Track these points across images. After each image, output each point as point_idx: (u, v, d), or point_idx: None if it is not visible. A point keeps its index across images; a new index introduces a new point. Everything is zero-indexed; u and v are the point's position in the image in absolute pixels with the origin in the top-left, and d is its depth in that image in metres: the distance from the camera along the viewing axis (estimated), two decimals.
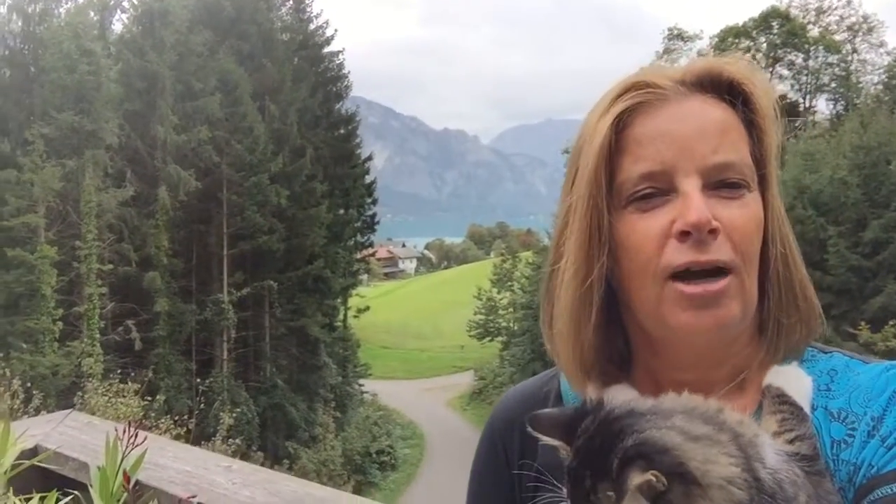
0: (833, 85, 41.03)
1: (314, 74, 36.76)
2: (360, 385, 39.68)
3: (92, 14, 28.44)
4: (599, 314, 0.92)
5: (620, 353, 0.99)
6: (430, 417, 39.97)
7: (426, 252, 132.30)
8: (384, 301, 67.51)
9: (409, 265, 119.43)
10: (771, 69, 39.89)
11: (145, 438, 1.46)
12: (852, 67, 40.87)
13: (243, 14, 32.86)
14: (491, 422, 1.13)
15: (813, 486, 0.77)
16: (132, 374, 21.51)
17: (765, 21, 40.71)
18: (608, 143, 0.89)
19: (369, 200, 41.82)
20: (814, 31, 41.22)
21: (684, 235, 0.85)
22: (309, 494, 1.49)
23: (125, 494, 1.41)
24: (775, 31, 40.69)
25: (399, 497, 30.68)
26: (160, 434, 13.52)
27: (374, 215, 42.50)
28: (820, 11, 41.73)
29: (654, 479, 0.65)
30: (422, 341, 60.14)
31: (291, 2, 37.68)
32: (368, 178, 41.77)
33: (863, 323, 23.82)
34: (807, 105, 40.51)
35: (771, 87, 0.95)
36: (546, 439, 0.81)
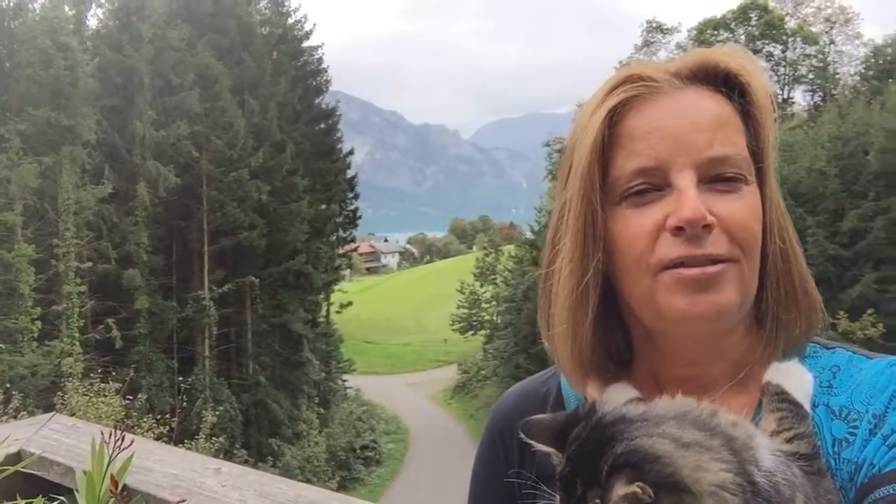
0: (811, 76, 41.42)
1: (294, 69, 36.57)
2: (344, 381, 39.67)
3: (67, 8, 28.03)
4: (596, 311, 0.90)
5: (620, 350, 0.97)
6: (414, 412, 40.05)
7: (408, 246, 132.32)
8: (367, 296, 67.51)
9: (392, 260, 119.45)
10: None
11: (132, 442, 1.44)
12: (830, 58, 41.27)
13: (222, 8, 32.59)
14: (491, 421, 1.12)
15: (812, 486, 0.76)
16: (113, 373, 21.37)
17: (743, 13, 41.00)
18: (601, 138, 0.88)
19: (351, 195, 41.71)
20: (791, 23, 41.56)
21: (678, 231, 0.83)
22: (300, 496, 1.46)
23: (112, 499, 1.38)
24: (754, 22, 40.99)
25: (384, 491, 30.70)
26: (143, 433, 13.43)
27: (355, 210, 42.41)
28: (798, 3, 42.08)
29: (639, 490, 0.64)
30: (405, 336, 60.21)
31: None
32: (349, 173, 41.65)
33: (841, 312, 24.15)
34: (785, 96, 40.81)
35: (766, 79, 0.93)
36: (539, 446, 0.80)
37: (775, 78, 40.53)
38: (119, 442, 1.41)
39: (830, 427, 0.87)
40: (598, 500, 0.68)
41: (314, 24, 38.66)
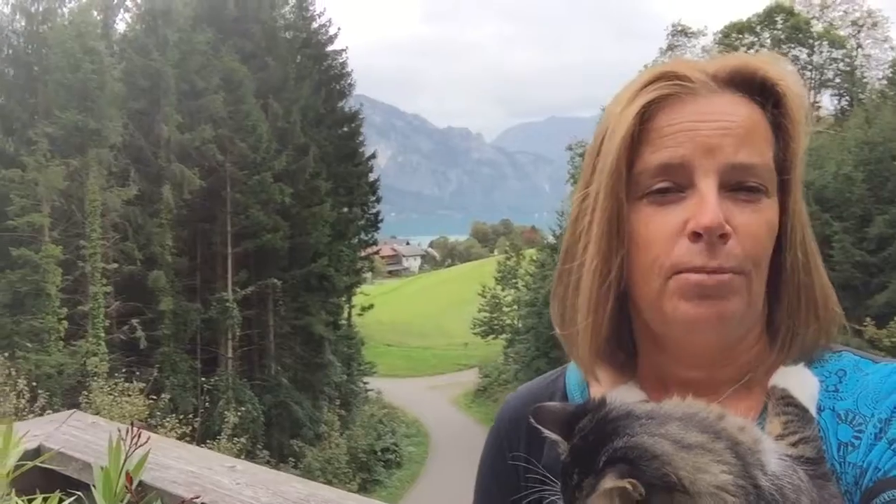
0: (837, 80, 40.91)
1: (317, 73, 36.76)
2: (365, 383, 39.74)
3: (95, 13, 28.44)
4: (614, 305, 0.91)
5: (627, 347, 0.98)
6: (435, 415, 40.01)
7: (430, 250, 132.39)
8: (388, 299, 67.61)
9: (413, 263, 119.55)
10: None
11: (148, 439, 1.46)
12: (857, 63, 40.74)
13: (246, 12, 32.88)
14: (497, 422, 1.12)
15: (817, 490, 0.76)
16: (137, 373, 21.64)
17: (769, 16, 40.60)
18: (632, 132, 0.88)
19: (373, 198, 41.82)
20: (818, 27, 41.09)
21: (696, 237, 0.83)
22: (314, 495, 1.48)
23: (128, 495, 1.40)
24: (779, 26, 40.58)
25: (404, 494, 30.72)
26: (166, 432, 13.56)
27: (377, 213, 42.52)
28: (824, 6, 41.58)
29: (629, 486, 0.64)
30: (426, 339, 60.21)
31: (294, 0, 37.68)
32: (372, 177, 41.79)
33: (868, 319, 23.79)
34: (811, 101, 40.36)
35: (804, 92, 0.93)
36: (547, 432, 0.81)
37: (801, 80, 40.15)
38: (136, 439, 1.44)
39: (836, 431, 0.86)
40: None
41: (338, 29, 38.90)
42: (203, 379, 25.11)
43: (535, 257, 44.90)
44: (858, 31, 40.89)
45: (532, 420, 0.82)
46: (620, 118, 0.89)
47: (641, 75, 0.92)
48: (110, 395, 14.87)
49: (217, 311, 29.39)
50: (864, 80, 40.41)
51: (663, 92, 0.88)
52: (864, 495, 0.81)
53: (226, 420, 19.12)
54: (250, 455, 24.43)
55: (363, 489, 29.37)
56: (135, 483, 1.37)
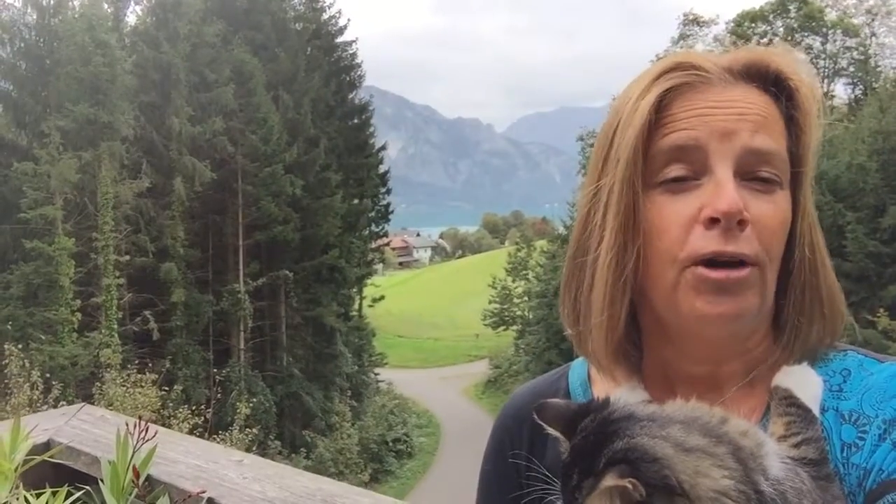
0: (851, 69, 40.51)
1: (327, 64, 36.76)
2: (376, 374, 39.89)
3: (106, 6, 28.51)
4: (630, 298, 0.90)
5: (637, 344, 0.96)
6: (446, 406, 40.13)
7: (440, 241, 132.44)
8: (399, 290, 67.74)
9: (424, 254, 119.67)
10: None
11: (156, 433, 1.46)
12: (871, 51, 40.32)
13: (256, 4, 32.88)
14: (500, 420, 1.12)
15: (820, 492, 0.76)
16: (150, 364, 21.77)
17: (782, 4, 40.20)
18: (648, 121, 0.86)
19: (383, 190, 41.87)
20: (831, 15, 40.67)
21: (713, 223, 0.82)
22: (321, 489, 1.48)
23: (135, 489, 1.41)
24: (792, 14, 40.18)
25: (416, 484, 30.86)
26: (178, 424, 13.65)
27: (388, 205, 42.58)
28: None
29: (630, 486, 0.64)
30: (437, 330, 60.34)
31: None
32: (382, 168, 41.80)
33: (881, 310, 23.64)
34: (825, 90, 40.00)
35: (817, 84, 0.92)
36: (550, 429, 0.80)
37: (815, 71, 39.73)
38: (143, 433, 1.44)
39: (840, 432, 0.85)
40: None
41: (348, 20, 38.86)
42: (215, 370, 25.22)
43: (545, 248, 44.86)
44: (872, 20, 40.43)
45: (535, 416, 0.82)
46: (636, 108, 0.88)
47: (654, 66, 0.91)
48: (123, 386, 14.97)
49: (229, 302, 29.54)
50: (878, 69, 39.98)
51: (680, 81, 0.87)
52: (867, 497, 0.80)
53: (238, 411, 19.18)
54: (262, 446, 24.58)
55: (374, 480, 29.53)
56: (142, 477, 1.38)
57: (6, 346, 13.16)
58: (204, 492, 1.42)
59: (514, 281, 50.63)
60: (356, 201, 37.69)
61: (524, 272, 49.87)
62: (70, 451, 1.67)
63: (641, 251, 0.88)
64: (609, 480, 0.65)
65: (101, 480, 1.42)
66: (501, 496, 1.07)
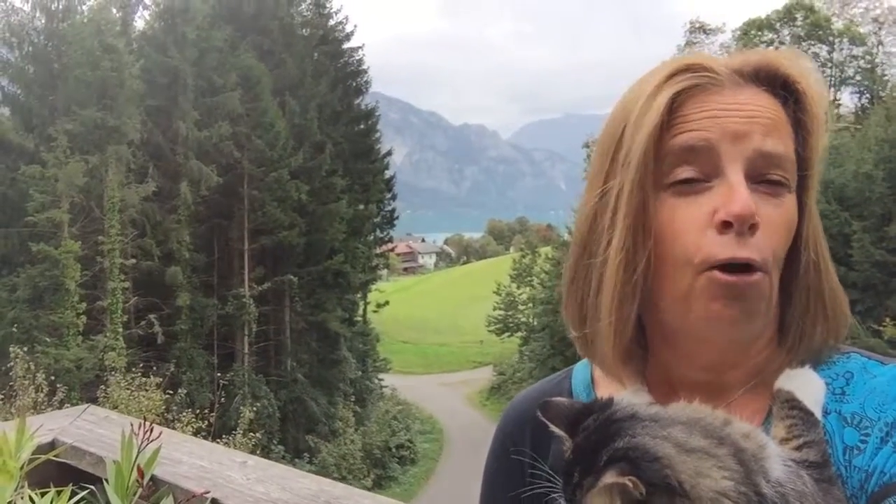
0: (858, 78, 40.48)
1: (334, 70, 36.86)
2: (380, 379, 39.86)
3: (114, 10, 28.67)
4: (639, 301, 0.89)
5: (640, 342, 0.95)
6: (450, 412, 40.06)
7: (445, 247, 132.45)
8: (404, 296, 67.75)
9: (429, 260, 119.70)
10: None
11: (160, 434, 1.47)
12: (878, 60, 40.28)
13: (264, 10, 33.02)
14: (502, 424, 1.11)
15: (822, 495, 0.76)
16: (154, 368, 21.80)
17: (789, 13, 40.23)
18: (661, 122, 0.86)
19: (389, 195, 41.90)
20: (838, 24, 40.66)
21: (726, 226, 0.82)
22: (324, 491, 1.48)
23: (140, 489, 1.41)
24: (799, 23, 40.20)
25: (419, 491, 30.79)
26: (182, 427, 13.66)
27: (393, 210, 42.61)
28: (845, 3, 41.15)
29: (630, 484, 0.64)
30: (441, 336, 60.27)
31: None
32: (388, 174, 41.86)
33: (887, 319, 23.57)
34: (831, 98, 39.92)
35: (825, 89, 0.93)
36: (553, 427, 0.80)
37: (822, 76, 39.74)
38: (148, 434, 1.45)
39: (842, 434, 0.85)
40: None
41: (355, 26, 38.98)
42: (219, 374, 25.26)
43: (550, 255, 44.79)
44: (879, 28, 40.42)
45: (539, 414, 0.82)
46: (647, 109, 0.87)
47: (664, 66, 0.91)
48: (128, 389, 14.98)
49: (234, 306, 29.58)
50: (885, 77, 39.96)
51: (692, 83, 0.87)
52: (869, 499, 0.80)
53: (241, 415, 19.18)
54: (265, 450, 24.56)
55: (377, 485, 29.47)
56: (146, 477, 1.38)
57: (11, 349, 13.20)
58: (208, 492, 1.43)
59: (518, 287, 50.58)
60: (361, 207, 37.73)
61: (529, 279, 49.83)
62: (74, 450, 1.68)
63: (652, 254, 0.87)
64: (609, 478, 0.66)
65: (106, 480, 1.42)
66: (504, 496, 1.07)
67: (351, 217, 34.86)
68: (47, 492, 1.38)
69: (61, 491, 1.39)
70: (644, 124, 0.87)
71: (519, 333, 47.04)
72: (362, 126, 39.35)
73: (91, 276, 24.74)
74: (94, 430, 1.81)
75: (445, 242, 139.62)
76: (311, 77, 33.84)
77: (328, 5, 38.06)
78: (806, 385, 0.88)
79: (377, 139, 40.57)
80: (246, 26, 32.10)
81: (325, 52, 36.81)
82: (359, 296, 38.59)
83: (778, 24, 40.42)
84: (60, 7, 26.32)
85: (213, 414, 16.41)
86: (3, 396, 11.87)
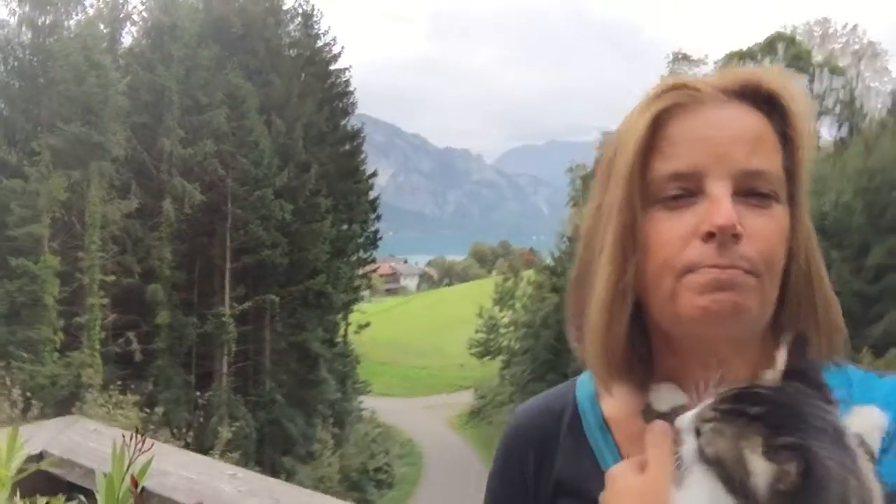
0: (837, 109, 41.19)
1: (321, 90, 36.97)
2: (360, 402, 39.57)
3: (101, 26, 28.65)
4: (631, 313, 0.91)
5: (646, 361, 0.96)
6: (429, 436, 39.82)
7: (428, 269, 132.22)
8: (385, 317, 67.44)
9: (411, 282, 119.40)
10: None
11: (152, 445, 1.47)
12: (857, 92, 41.05)
13: (252, 30, 33.11)
14: (506, 436, 1.11)
15: None
16: (132, 386, 21.53)
17: (770, 45, 40.97)
18: (645, 140, 0.89)
19: (373, 216, 41.89)
20: (818, 56, 41.44)
21: (709, 236, 0.84)
22: (314, 503, 1.49)
23: (131, 501, 1.41)
24: (780, 54, 40.92)
25: None
26: None
27: (376, 231, 42.57)
28: (825, 37, 41.98)
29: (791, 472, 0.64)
30: (422, 359, 60.02)
31: (300, 18, 37.98)
32: (372, 195, 41.88)
33: (865, 349, 23.77)
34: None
35: (809, 102, 0.96)
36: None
37: (807, 90, 40.39)
38: (140, 445, 1.45)
39: None
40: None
41: (342, 48, 39.20)
42: (197, 393, 24.98)
43: (532, 279, 44.89)
44: (859, 61, 41.24)
45: None
46: (634, 127, 0.91)
47: (653, 87, 0.94)
48: (104, 407, 14.80)
49: (213, 325, 29.32)
50: (864, 109, 40.69)
51: (674, 101, 0.90)
52: None
53: (219, 436, 18.98)
54: None
55: None
56: (139, 488, 1.38)
57: None
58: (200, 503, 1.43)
59: (501, 310, 50.54)
60: (345, 227, 37.68)
61: (511, 302, 49.82)
62: (64, 462, 1.67)
63: (642, 266, 0.90)
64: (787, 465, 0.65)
65: (96, 492, 1.42)
66: None
67: (334, 237, 34.79)
68: (35, 501, 1.37)
69: (50, 501, 1.39)
70: (629, 144, 0.90)
71: (501, 357, 46.93)
72: (348, 147, 39.40)
73: (70, 292, 24.47)
74: (83, 442, 1.80)
75: (428, 264, 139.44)
76: (298, 97, 33.90)
77: (316, 27, 38.29)
78: (869, 422, 0.84)
79: (362, 160, 40.65)
80: (233, 45, 32.15)
81: (312, 73, 36.93)
82: (340, 316, 38.38)
83: (759, 56, 41.08)
84: (48, 22, 26.27)
85: (190, 433, 16.22)
86: None
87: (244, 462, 25.15)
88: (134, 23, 30.87)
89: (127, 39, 31.55)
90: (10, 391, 11.89)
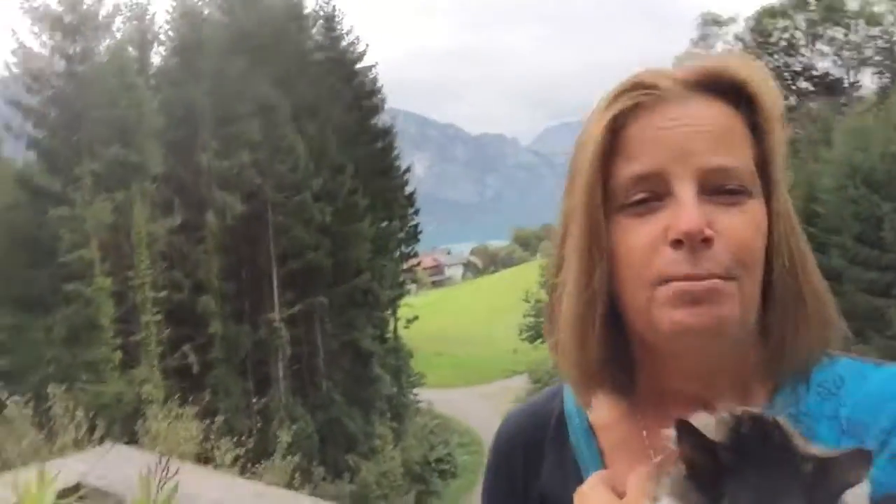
0: (877, 58, 39.83)
1: (349, 91, 37.16)
2: (415, 395, 39.81)
3: (131, 49, 29.22)
4: (604, 321, 0.87)
5: (627, 367, 0.92)
6: (488, 423, 39.73)
7: (472, 258, 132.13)
8: (433, 309, 67.60)
9: (456, 272, 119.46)
10: (812, 46, 38.95)
11: (177, 470, 1.50)
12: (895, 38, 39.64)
13: (277, 39, 33.40)
14: (495, 443, 1.10)
15: None
16: (191, 398, 21.95)
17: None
18: (603, 145, 0.85)
19: (411, 211, 42.01)
20: (853, 5, 40.08)
21: (677, 244, 0.80)
22: None
23: None
24: (813, 7, 39.71)
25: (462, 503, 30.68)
26: (221, 455, 13.73)
27: (416, 225, 42.66)
28: None
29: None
30: (473, 347, 60.04)
31: (322, 21, 38.17)
32: (409, 188, 41.99)
33: None
34: (851, 81, 39.36)
35: (776, 89, 0.90)
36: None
37: (840, 62, 39.17)
38: (165, 471, 1.48)
39: (838, 443, 0.82)
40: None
41: (366, 45, 39.29)
42: (255, 399, 25.44)
43: None
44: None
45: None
46: (591, 134, 0.87)
47: (612, 88, 0.90)
48: (165, 420, 15.10)
49: (266, 331, 29.80)
50: None
51: (629, 103, 0.86)
52: None
53: (279, 439, 19.24)
54: (305, 473, 24.58)
55: (420, 501, 29.43)
56: None
57: (50, 388, 13.38)
58: None
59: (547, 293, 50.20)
60: (385, 224, 37.88)
61: None
62: (96, 492, 1.72)
63: (613, 274, 0.86)
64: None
65: None
66: None
67: (375, 235, 35.01)
68: None
69: None
70: (587, 149, 0.87)
71: None
72: (380, 144, 39.56)
73: (124, 311, 25.11)
74: (118, 469, 1.85)
75: (472, 253, 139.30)
76: (327, 100, 34.12)
77: (339, 28, 38.44)
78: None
79: (396, 156, 40.75)
80: (259, 55, 32.45)
81: (339, 75, 37.11)
82: (388, 312, 38.64)
83: (791, 10, 39.97)
84: (79, 50, 26.87)
85: (251, 440, 16.46)
86: (44, 435, 12.03)
87: (307, 463, 25.54)
88: (161, 42, 31.41)
89: (156, 59, 32.16)
90: (72, 414, 12.19)
